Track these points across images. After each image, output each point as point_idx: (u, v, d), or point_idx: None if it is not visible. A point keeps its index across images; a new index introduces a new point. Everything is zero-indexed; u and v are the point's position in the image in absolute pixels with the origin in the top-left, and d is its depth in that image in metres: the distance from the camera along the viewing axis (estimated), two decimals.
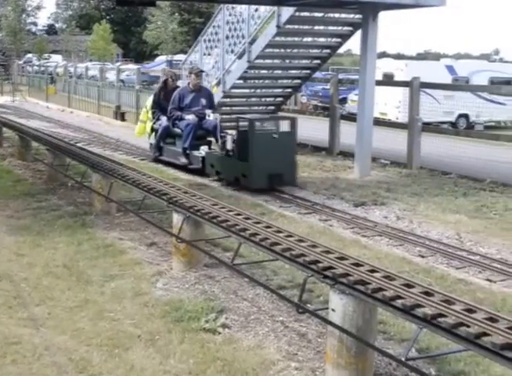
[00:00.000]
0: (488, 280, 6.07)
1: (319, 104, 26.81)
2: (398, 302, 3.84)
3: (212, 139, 11.68)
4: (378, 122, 13.85)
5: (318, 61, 14.54)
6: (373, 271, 4.31)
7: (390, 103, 21.36)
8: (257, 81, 15.36)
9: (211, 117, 11.57)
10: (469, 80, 23.72)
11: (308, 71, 14.77)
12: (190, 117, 11.50)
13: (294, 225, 7.61)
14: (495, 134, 12.97)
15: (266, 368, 4.37)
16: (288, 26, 12.63)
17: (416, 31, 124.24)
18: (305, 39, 14.02)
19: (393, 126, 15.42)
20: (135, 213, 7.22)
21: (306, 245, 4.87)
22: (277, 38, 12.91)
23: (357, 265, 4.43)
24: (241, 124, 10.13)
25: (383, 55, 46.14)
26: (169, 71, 13.66)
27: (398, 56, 45.07)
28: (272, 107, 15.45)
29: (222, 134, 10.98)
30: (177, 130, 11.82)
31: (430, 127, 13.69)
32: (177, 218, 6.16)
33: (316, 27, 13.60)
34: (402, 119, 19.10)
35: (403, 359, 3.68)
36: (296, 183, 10.01)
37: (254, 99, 15.76)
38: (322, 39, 14.05)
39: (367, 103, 11.34)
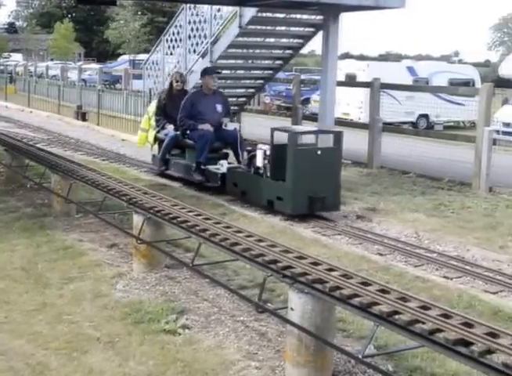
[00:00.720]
0: (444, 277, 6.17)
1: (283, 104, 26.93)
2: (355, 300, 3.89)
3: (229, 152, 10.18)
4: (341, 122, 13.97)
5: (280, 62, 14.62)
6: (331, 270, 4.36)
7: (352, 104, 21.54)
8: (220, 81, 15.38)
9: (229, 126, 10.07)
10: (429, 81, 24.03)
11: (270, 72, 14.84)
12: (205, 127, 9.85)
13: (255, 225, 7.64)
14: (453, 134, 13.19)
15: (226, 368, 4.38)
16: (250, 26, 12.67)
17: (379, 33, 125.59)
18: (268, 40, 14.09)
19: (355, 126, 15.57)
20: (95, 214, 7.17)
21: (265, 245, 4.91)
22: (239, 39, 12.94)
23: (315, 264, 4.47)
24: (277, 135, 8.41)
25: (346, 56, 46.51)
26: (175, 73, 11.72)
27: (361, 57, 45.46)
28: (236, 107, 15.49)
29: (248, 148, 9.49)
30: (188, 141, 10.17)
31: (391, 127, 13.87)
32: (137, 219, 6.14)
33: (278, 28, 13.68)
34: (363, 119, 19.28)
35: (360, 356, 3.73)
36: (339, 208, 8.46)
37: None
38: (284, 40, 14.13)
39: (328, 104, 11.44)
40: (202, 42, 13.42)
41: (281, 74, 22.36)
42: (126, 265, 6.27)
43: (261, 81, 15.29)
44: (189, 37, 13.83)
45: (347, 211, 8.65)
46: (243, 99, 15.52)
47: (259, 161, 8.61)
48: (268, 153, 8.47)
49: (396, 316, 3.66)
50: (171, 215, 5.78)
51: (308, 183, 8.04)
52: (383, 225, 8.03)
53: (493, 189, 10.06)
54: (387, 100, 19.31)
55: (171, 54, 14.91)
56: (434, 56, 57.06)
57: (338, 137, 8.42)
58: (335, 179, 8.31)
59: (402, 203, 9.16)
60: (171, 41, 14.60)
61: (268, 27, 13.51)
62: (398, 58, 42.59)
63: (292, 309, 4.21)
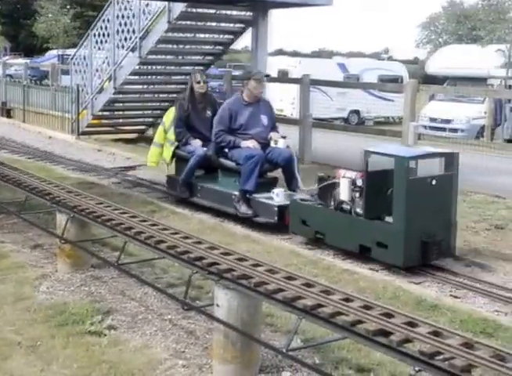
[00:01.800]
0: (370, 269, 6.28)
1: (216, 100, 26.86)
2: (280, 295, 3.93)
3: (277, 176, 8.26)
4: (276, 119, 13.99)
5: (211, 57, 14.62)
6: (256, 265, 4.38)
7: (285, 100, 21.72)
8: (150, 76, 15.27)
9: (280, 143, 7.93)
10: (359, 77, 24.43)
11: (201, 67, 14.79)
12: (250, 144, 7.87)
13: (186, 222, 7.62)
14: (382, 129, 13.44)
15: (153, 368, 4.35)
16: (180, 22, 12.64)
17: (312, 30, 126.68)
18: (198, 35, 14.06)
19: (288, 122, 15.67)
20: (16, 214, 6.99)
21: (191, 242, 4.90)
22: (169, 34, 12.88)
23: (241, 260, 4.49)
24: (373, 160, 6.32)
25: (279, 52, 46.72)
26: (195, 72, 9.35)
27: (294, 54, 45.77)
28: (167, 103, 15.40)
29: (319, 174, 7.12)
30: (226, 162, 8.16)
31: (321, 122, 14.01)
32: (60, 219, 6.03)
33: (208, 24, 13.66)
34: (296, 115, 19.44)
35: (284, 350, 3.76)
36: (455, 253, 6.64)
37: (147, 95, 15.66)
38: (214, 36, 14.12)
39: None
40: (131, 37, 13.27)
41: (214, 70, 22.38)
42: (50, 266, 6.15)
43: None
44: (118, 32, 13.66)
45: None
46: (175, 95, 15.41)
47: (344, 193, 6.51)
48: (358, 182, 6.40)
49: (319, 309, 3.71)
50: (95, 214, 5.70)
51: (420, 223, 6.16)
52: None
53: None
54: (319, 96, 19.61)
55: (99, 49, 14.69)
56: (365, 53, 57.87)
57: (452, 160, 6.43)
58: (450, 216, 6.49)
59: None
60: (99, 35, 14.39)
61: (198, 23, 13.47)
62: (330, 55, 43.06)
63: (218, 305, 4.21)
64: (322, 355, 4.45)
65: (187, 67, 14.92)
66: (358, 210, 6.39)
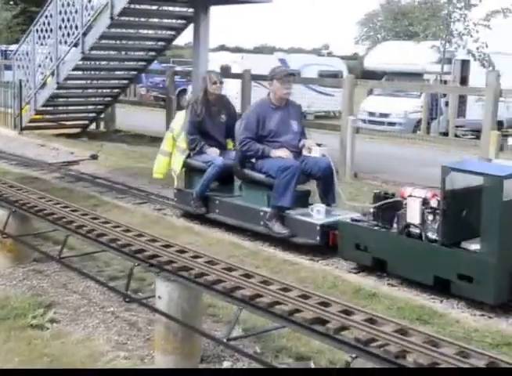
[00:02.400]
0: (311, 259, 6.30)
1: (159, 95, 26.66)
2: (220, 286, 3.91)
3: (309, 188, 7.15)
4: None
5: (153, 53, 14.47)
6: (196, 257, 4.36)
7: (228, 95, 21.61)
8: (93, 72, 15.03)
9: (315, 152, 6.81)
10: (300, 72, 24.52)
11: (144, 63, 14.64)
12: (283, 154, 6.76)
13: (129, 215, 7.52)
14: (321, 123, 13.54)
15: (95, 360, 4.27)
16: (122, 18, 12.44)
17: (254, 26, 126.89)
18: (141, 31, 13.90)
19: None
20: None
21: (133, 235, 4.85)
22: (112, 30, 12.68)
23: (182, 252, 4.46)
24: (453, 177, 5.26)
25: (222, 48, 46.60)
26: (209, 72, 8.31)
27: (237, 50, 45.71)
28: (110, 98, 15.22)
29: (376, 190, 6.28)
30: (254, 174, 6.96)
31: None
32: (1, 213, 5.87)
33: (151, 20, 13.52)
34: (238, 110, 19.40)
35: (225, 340, 3.75)
36: None
37: (90, 91, 15.43)
38: (157, 31, 13.99)
39: None
40: (74, 33, 12.99)
41: (158, 66, 22.16)
42: None
43: (135, 73, 15.06)
44: (60, 27, 13.36)
45: None
46: (117, 90, 15.22)
47: (413, 215, 5.49)
48: (432, 203, 5.40)
49: (258, 299, 3.70)
50: (36, 208, 5.58)
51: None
52: None
53: (358, 175, 10.38)
54: (260, 92, 19.58)
55: (42, 44, 14.36)
56: (305, 49, 58.22)
57: None
58: None
59: None
60: (42, 31, 14.06)
61: (141, 19, 13.32)
62: (271, 51, 43.15)
63: (159, 297, 4.17)
64: (263, 344, 4.44)
65: (130, 63, 14.75)
66: (431, 235, 5.38)
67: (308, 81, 20.85)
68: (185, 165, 7.74)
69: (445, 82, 19.34)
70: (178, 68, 21.45)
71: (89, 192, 8.96)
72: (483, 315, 5.14)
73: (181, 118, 7.87)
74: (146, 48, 14.32)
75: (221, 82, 7.72)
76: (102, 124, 16.33)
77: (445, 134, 18.37)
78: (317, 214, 6.51)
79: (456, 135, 17.83)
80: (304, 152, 6.87)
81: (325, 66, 25.76)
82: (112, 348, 4.43)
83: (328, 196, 6.82)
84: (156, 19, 13.58)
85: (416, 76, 20.25)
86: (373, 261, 5.80)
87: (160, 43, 14.16)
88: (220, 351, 4.36)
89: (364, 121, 18.50)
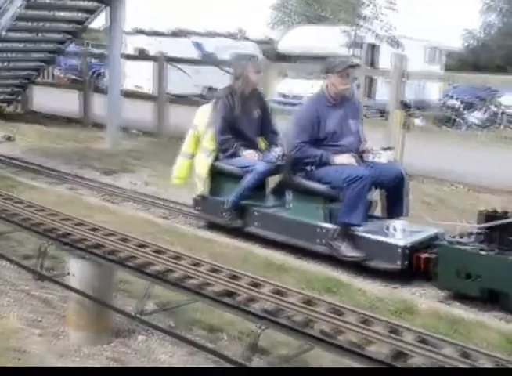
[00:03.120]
0: (224, 235, 6.27)
1: (76, 78, 25.96)
2: (131, 262, 3.83)
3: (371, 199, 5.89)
4: (134, 95, 13.79)
5: (69, 35, 14.02)
6: (109, 234, 4.26)
7: (144, 77, 21.27)
8: (8, 54, 14.44)
9: (383, 157, 5.74)
10: (215, 56, 24.38)
11: (60, 45, 14.18)
12: (346, 161, 5.64)
13: (44, 196, 7.27)
14: None
15: (7, 338, 4.10)
16: None
17: (171, 10, 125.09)
18: (56, 13, 13.43)
19: (146, 98, 15.41)
20: None
21: (46, 214, 4.70)
22: (28, 12, 12.19)
23: (94, 230, 4.35)
24: None
25: (138, 31, 45.69)
26: (250, 58, 6.91)
27: (153, 33, 44.98)
28: (26, 81, 14.69)
29: (482, 209, 4.98)
30: (312, 184, 5.77)
31: (177, 98, 13.82)
32: None
33: (66, 2, 13.07)
34: (153, 91, 19.18)
35: (136, 315, 3.69)
36: None
37: (6, 73, 14.85)
38: (72, 14, 13.55)
39: (115, 76, 11.28)
40: None
41: (74, 48, 21.51)
42: None
43: (51, 55, 14.57)
44: None
45: (136, 179, 8.54)
46: (33, 72, 14.69)
47: None
48: None
49: (169, 274, 3.65)
50: None
51: None
52: (170, 190, 8.03)
53: None
54: (176, 74, 19.34)
55: None
56: (221, 33, 57.82)
57: None
58: None
59: None
60: None
61: (57, 1, 12.87)
62: (187, 34, 42.68)
63: (71, 274, 4.05)
64: (177, 318, 4.39)
65: (46, 45, 14.26)
66: None
67: (221, 63, 20.71)
68: (213, 169, 6.43)
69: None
70: (95, 51, 20.90)
71: (4, 173, 8.63)
72: (387, 285, 5.25)
73: (205, 114, 6.51)
74: (62, 30, 13.85)
75: (260, 72, 6.48)
76: (19, 106, 15.78)
77: None
78: (396, 232, 5.33)
79: (366, 116, 18.14)
80: (369, 157, 5.76)
81: (239, 50, 25.66)
82: (25, 326, 4.27)
83: (397, 208, 5.71)
84: (71, 2, 13.14)
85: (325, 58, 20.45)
86: (484, 291, 4.79)
87: (75, 25, 13.73)
88: (135, 326, 4.29)
89: (278, 102, 18.58)
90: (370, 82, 20.11)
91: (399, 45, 18.55)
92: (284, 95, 19.66)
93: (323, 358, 3.66)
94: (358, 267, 5.47)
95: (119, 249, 3.97)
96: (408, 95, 18.94)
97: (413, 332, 3.09)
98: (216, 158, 6.39)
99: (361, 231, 5.50)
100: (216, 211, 6.38)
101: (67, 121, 13.57)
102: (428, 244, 5.35)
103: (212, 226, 6.38)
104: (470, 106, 20.73)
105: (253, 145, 6.45)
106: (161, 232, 6.19)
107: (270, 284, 3.55)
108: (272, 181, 6.45)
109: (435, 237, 5.42)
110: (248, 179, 6.13)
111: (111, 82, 11.32)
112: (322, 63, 5.95)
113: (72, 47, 18.30)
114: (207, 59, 22.00)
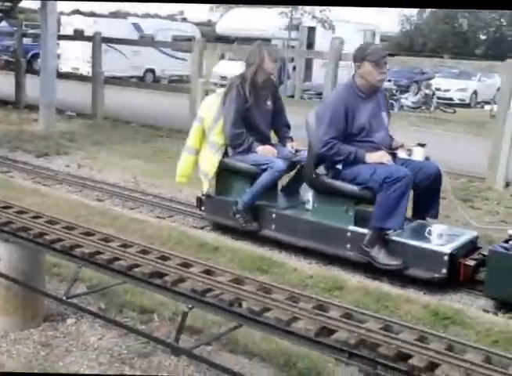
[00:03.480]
0: (158, 217, 6.22)
1: (10, 59, 25.17)
2: (59, 245, 3.74)
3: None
4: (69, 76, 13.46)
5: (0, 14, 13.56)
6: (37, 217, 4.13)
7: (81, 58, 20.80)
8: None
9: (418, 154, 5.18)
10: (154, 37, 24.02)
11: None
12: (384, 160, 5.05)
13: None
14: (173, 86, 13.38)
15: None
16: None
17: None
18: None
19: (82, 80, 15.07)
20: None
21: None
22: None
23: (21, 212, 4.21)
24: None
25: (76, 12, 44.60)
26: (264, 46, 5.83)
27: (92, 14, 43.98)
28: None
29: None
30: (346, 186, 5.11)
31: (113, 80, 13.56)
32: None
33: None
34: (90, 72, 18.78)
35: (64, 298, 3.61)
36: None
37: None
38: None
39: (48, 57, 10.96)
40: None
41: (9, 29, 20.81)
42: None
43: None
44: None
45: (69, 161, 8.35)
46: None
47: None
48: None
49: (98, 256, 3.58)
50: None
51: None
52: (103, 172, 7.90)
53: None
54: (114, 55, 19.05)
55: None
56: (161, 15, 56.99)
57: None
58: None
59: (124, 151, 9.09)
60: None
61: None
62: (126, 15, 41.88)
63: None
64: (108, 300, 4.33)
65: None
66: None
67: (159, 44, 20.50)
68: (221, 166, 5.79)
69: (293, 47, 19.67)
70: (30, 31, 20.28)
71: None
72: (318, 263, 5.30)
73: (212, 105, 5.81)
74: None
75: (276, 61, 5.86)
76: None
77: (292, 96, 18.72)
78: (439, 238, 4.83)
79: (302, 98, 18.21)
80: (402, 154, 5.23)
81: (179, 32, 25.37)
82: None
83: (431, 209, 5.20)
84: None
85: (266, 41, 20.42)
86: None
87: (6, 4, 13.28)
88: (64, 309, 4.20)
89: (216, 84, 18.46)
90: (308, 65, 20.20)
91: (331, 25, 18.68)
92: (222, 77, 19.52)
93: (253, 336, 3.69)
94: (293, 248, 5.49)
95: (46, 232, 3.85)
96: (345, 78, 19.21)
97: (339, 308, 3.11)
98: (225, 154, 5.78)
99: (397, 236, 4.97)
100: (225, 213, 5.76)
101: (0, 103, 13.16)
102: (468, 248, 4.92)
103: (219, 228, 5.89)
104: (404, 89, 21.09)
105: (266, 139, 5.82)
106: (94, 214, 6.07)
107: (199, 264, 3.52)
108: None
109: (474, 241, 5.04)
110: (265, 178, 5.52)
111: (44, 63, 11.01)
112: (357, 50, 5.14)
113: (7, 27, 17.74)
114: (145, 41, 21.65)
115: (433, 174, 5.07)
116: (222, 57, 21.35)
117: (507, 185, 8.09)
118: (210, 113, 5.79)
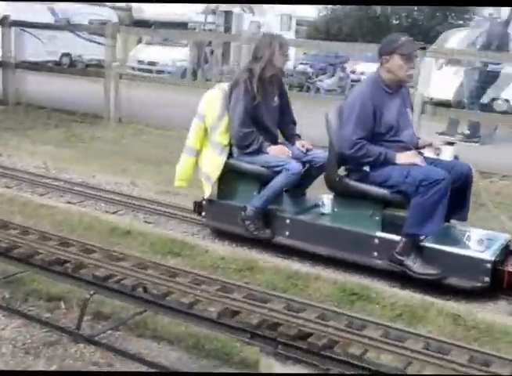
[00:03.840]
0: (68, 202, 6.03)
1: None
2: None
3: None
4: None
5: None
6: None
7: None
8: None
9: (447, 153, 4.80)
10: (70, 21, 23.32)
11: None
12: (417, 160, 4.60)
13: None
14: (87, 70, 13.01)
15: None
16: None
17: None
18: None
19: None
20: None
21: None
22: None
23: None
24: None
25: None
26: (280, 39, 5.19)
27: None
28: None
29: None
30: (375, 189, 4.64)
31: (25, 64, 12.95)
32: None
33: None
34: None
35: None
36: None
37: None
38: None
39: None
40: None
41: None
42: None
43: None
44: None
45: None
46: None
47: None
48: None
49: None
50: None
51: None
52: (13, 158, 7.58)
53: (122, 120, 10.14)
54: (30, 40, 18.28)
55: None
56: None
57: None
58: None
59: (35, 136, 8.76)
60: None
61: None
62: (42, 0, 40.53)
63: None
64: (13, 289, 4.14)
65: None
66: None
67: (72, 27, 19.91)
68: (227, 168, 5.21)
69: (210, 31, 19.51)
70: None
71: None
72: (230, 244, 5.25)
73: (215, 101, 5.23)
74: None
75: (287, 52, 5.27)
76: None
77: (208, 80, 18.57)
78: (477, 244, 4.46)
79: (219, 81, 18.10)
80: (429, 153, 4.83)
81: (96, 16, 24.68)
82: None
83: (460, 212, 4.79)
84: None
85: (183, 25, 20.20)
86: None
87: None
88: None
89: (133, 68, 18.14)
90: (226, 49, 20.06)
91: (251, 9, 18.61)
92: (139, 61, 19.19)
93: (162, 319, 3.61)
94: (206, 230, 5.43)
95: None
96: None
97: (243, 289, 3.07)
98: (230, 154, 5.23)
99: (432, 242, 4.55)
100: (231, 219, 5.20)
101: None
102: (504, 253, 4.57)
103: (221, 235, 5.37)
104: (321, 73, 21.28)
105: (274, 138, 5.32)
106: (1, 202, 5.82)
107: (102, 250, 3.40)
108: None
109: (508, 245, 4.68)
110: (279, 181, 5.00)
111: None
112: (386, 42, 4.71)
113: None
114: (59, 25, 20.99)
115: (465, 173, 4.69)
116: (140, 41, 20.94)
117: None
118: (213, 111, 5.20)
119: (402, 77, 4.64)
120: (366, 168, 4.68)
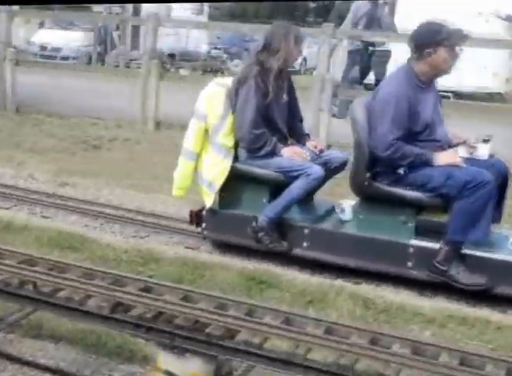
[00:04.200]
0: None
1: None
2: None
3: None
4: None
5: None
6: None
7: None
8: None
9: (483, 151, 4.50)
10: None
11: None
12: (457, 161, 4.31)
13: None
14: None
15: None
16: None
17: None
18: None
19: None
20: None
21: None
22: None
23: None
24: None
25: None
26: (295, 30, 4.84)
27: None
28: None
29: None
30: (411, 194, 4.32)
31: None
32: None
33: None
34: None
35: None
36: None
37: None
38: None
39: None
40: None
41: None
42: None
43: None
44: None
45: None
46: None
47: None
48: None
49: None
50: None
51: None
52: None
53: (20, 109, 9.79)
54: None
55: None
56: None
57: None
58: None
59: None
60: None
61: None
62: None
63: None
64: None
65: None
66: None
67: None
68: (232, 173, 4.73)
69: (117, 15, 19.09)
70: None
71: None
72: (135, 236, 5.17)
73: (217, 99, 4.75)
74: None
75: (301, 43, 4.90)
76: None
77: (117, 66, 18.19)
78: None
79: (128, 67, 17.73)
80: (463, 151, 4.52)
81: None
82: None
83: (496, 213, 4.45)
84: None
85: (87, 9, 19.67)
86: None
87: None
88: None
89: (36, 54, 17.54)
90: (135, 32, 19.69)
91: None
92: (42, 47, 18.55)
93: (59, 318, 3.49)
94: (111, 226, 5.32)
95: None
96: (173, 45, 18.95)
97: (138, 282, 3.01)
98: (236, 158, 4.77)
99: (475, 249, 4.23)
100: (239, 230, 4.72)
101: None
102: None
103: (224, 247, 4.92)
104: (235, 56, 21.22)
105: (284, 139, 4.87)
106: None
107: None
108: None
109: None
110: (298, 187, 4.55)
111: None
112: (426, 32, 4.31)
113: None
114: None
115: (503, 173, 4.48)
116: (41, 26, 20.24)
117: None
118: (215, 110, 4.73)
119: (446, 70, 4.36)
120: (400, 171, 4.38)
